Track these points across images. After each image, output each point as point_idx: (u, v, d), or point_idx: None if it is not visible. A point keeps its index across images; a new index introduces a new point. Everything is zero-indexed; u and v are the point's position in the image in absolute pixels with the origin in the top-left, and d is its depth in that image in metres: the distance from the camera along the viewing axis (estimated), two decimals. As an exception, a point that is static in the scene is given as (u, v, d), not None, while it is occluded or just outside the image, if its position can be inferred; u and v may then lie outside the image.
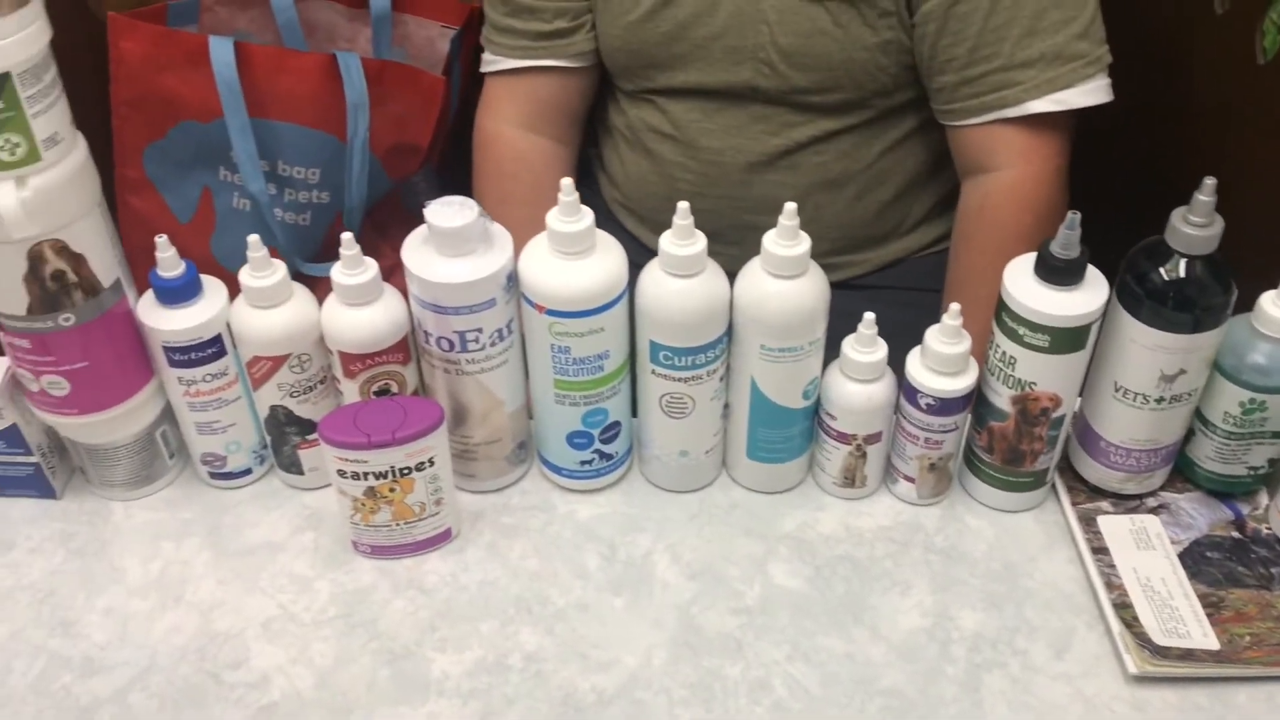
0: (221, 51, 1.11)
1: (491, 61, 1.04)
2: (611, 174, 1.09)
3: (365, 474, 0.71)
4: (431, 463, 0.72)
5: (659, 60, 0.97)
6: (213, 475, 0.80)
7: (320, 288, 0.74)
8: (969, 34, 0.88)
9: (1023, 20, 0.86)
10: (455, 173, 1.28)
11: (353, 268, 0.71)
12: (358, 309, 0.72)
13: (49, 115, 0.64)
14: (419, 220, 1.26)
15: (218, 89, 1.11)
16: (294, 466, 0.79)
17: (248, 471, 0.80)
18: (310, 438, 0.77)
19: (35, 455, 0.78)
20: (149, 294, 0.73)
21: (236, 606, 0.73)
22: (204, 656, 0.70)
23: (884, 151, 0.99)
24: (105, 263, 0.70)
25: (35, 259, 0.66)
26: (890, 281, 1.04)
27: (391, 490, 0.72)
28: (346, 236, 0.71)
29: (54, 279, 0.67)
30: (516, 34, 1.00)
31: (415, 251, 0.70)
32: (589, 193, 1.13)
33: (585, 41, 1.00)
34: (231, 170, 1.19)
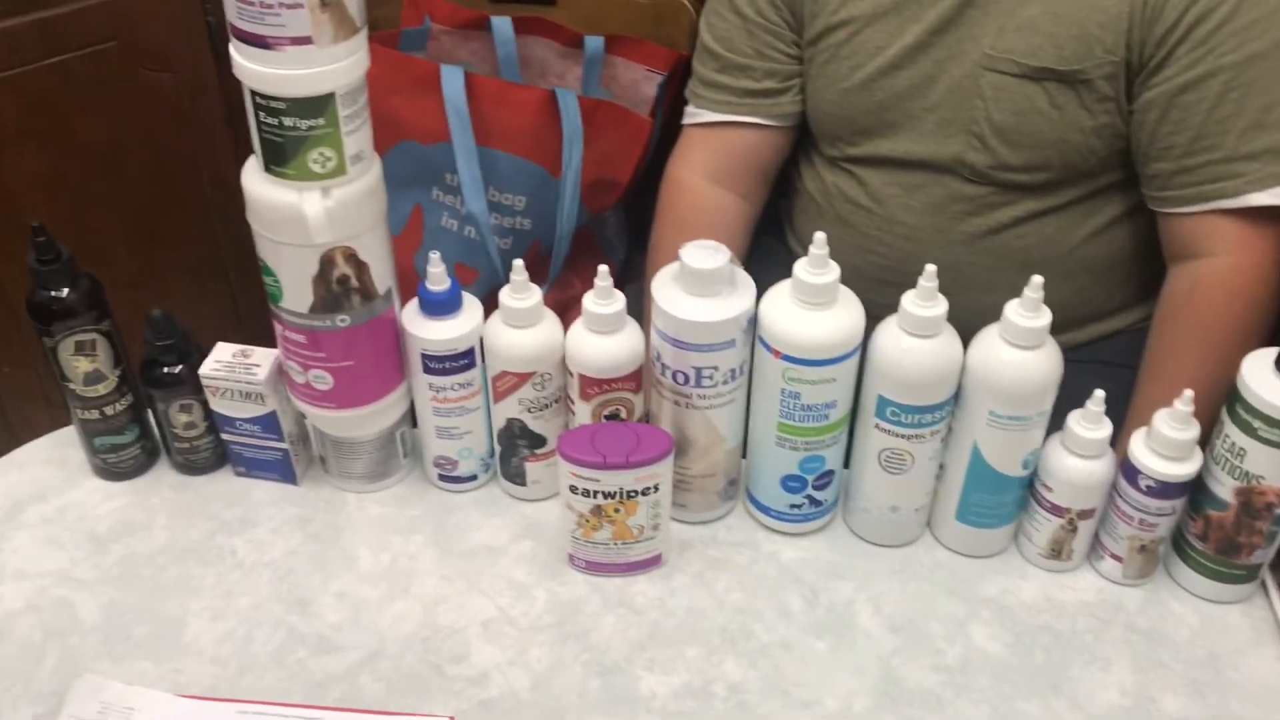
0: (453, 80, 1.17)
1: (693, 114, 1.06)
2: (800, 235, 1.10)
3: (595, 492, 0.74)
4: (656, 489, 0.75)
5: (868, 127, 0.99)
6: (441, 477, 0.85)
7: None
8: (1191, 124, 0.88)
9: (1249, 113, 0.87)
10: (638, 213, 1.33)
11: (604, 298, 0.75)
12: (604, 336, 0.76)
13: (358, 135, 0.70)
14: (607, 252, 1.33)
15: (446, 114, 1.18)
16: (518, 477, 0.83)
17: (474, 477, 0.85)
18: (539, 451, 0.82)
19: (285, 442, 0.83)
20: (413, 304, 0.79)
21: (459, 604, 0.77)
22: (428, 648, 0.75)
23: (1089, 237, 0.98)
24: (383, 272, 0.75)
25: (326, 263, 0.72)
26: (1083, 356, 1.04)
27: (616, 511, 0.76)
28: (602, 269, 0.75)
29: (339, 283, 0.73)
30: (724, 89, 1.03)
31: (664, 287, 0.74)
32: (776, 243, 1.14)
33: (791, 103, 1.02)
34: (444, 191, 1.25)
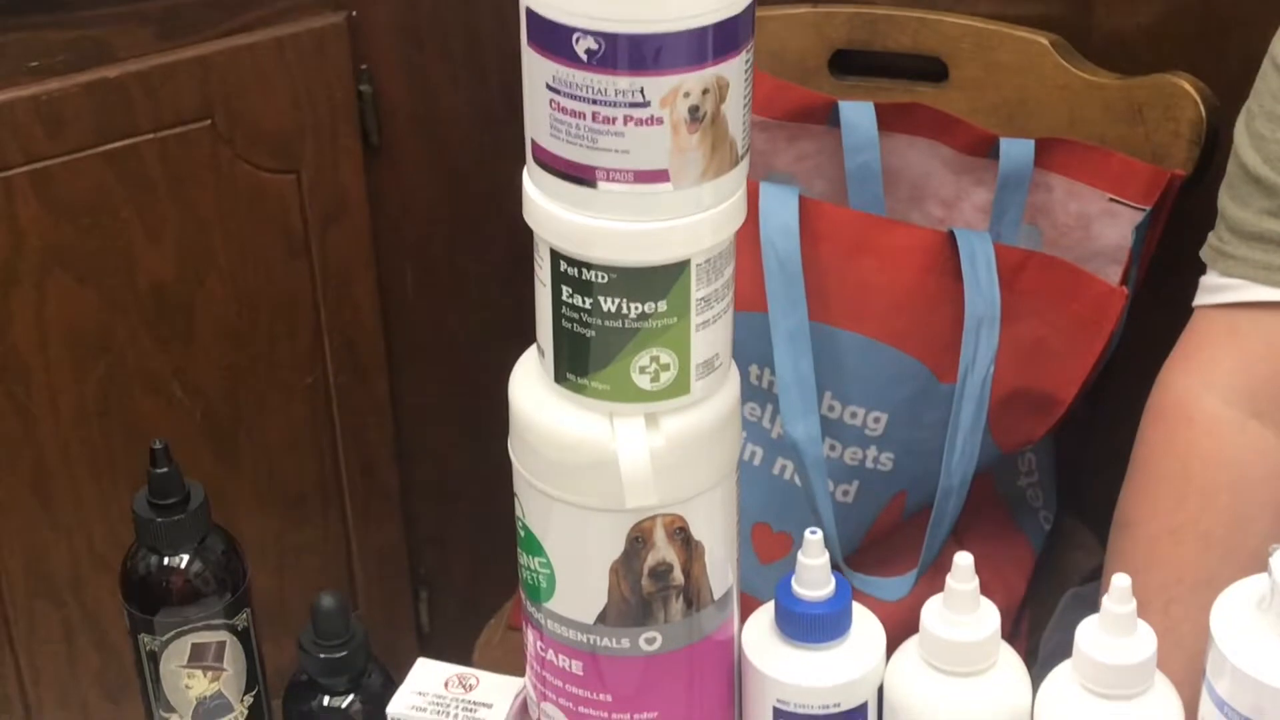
0: (778, 206, 1.17)
1: (1219, 288, 1.06)
2: None
3: None
4: None
5: None
6: None
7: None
8: None
9: None
10: (1074, 453, 1.33)
11: (1118, 633, 0.72)
12: (1115, 703, 0.72)
13: (714, 330, 0.71)
14: (1019, 519, 1.32)
15: (761, 264, 1.17)
16: None
17: None
18: None
19: None
20: (761, 616, 0.78)
21: None
22: None
23: None
24: (723, 561, 0.75)
25: (639, 541, 0.72)
26: None
27: None
28: (1121, 585, 0.71)
29: (655, 575, 0.72)
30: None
31: (1236, 619, 0.71)
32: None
33: None
34: (746, 394, 1.23)
